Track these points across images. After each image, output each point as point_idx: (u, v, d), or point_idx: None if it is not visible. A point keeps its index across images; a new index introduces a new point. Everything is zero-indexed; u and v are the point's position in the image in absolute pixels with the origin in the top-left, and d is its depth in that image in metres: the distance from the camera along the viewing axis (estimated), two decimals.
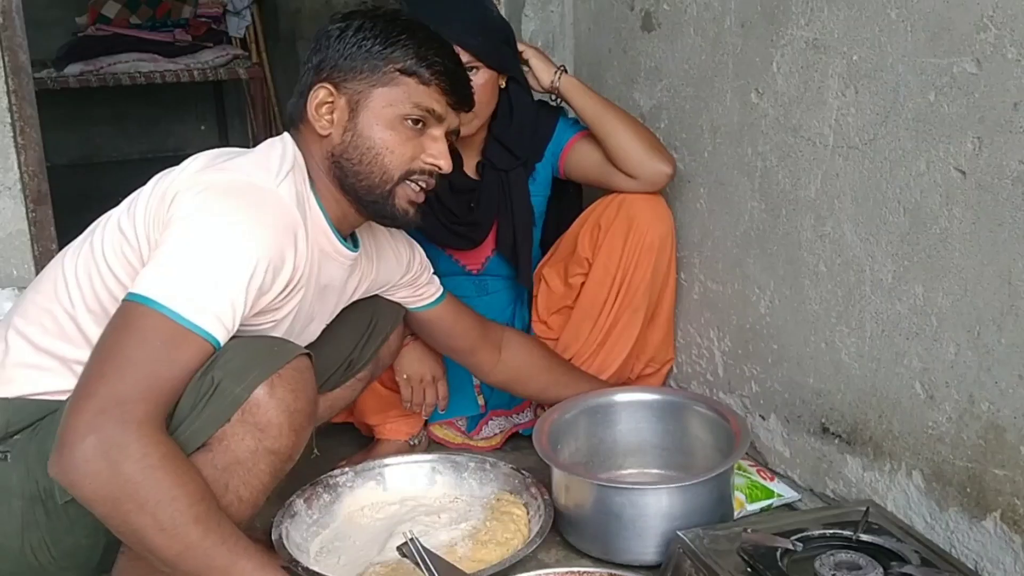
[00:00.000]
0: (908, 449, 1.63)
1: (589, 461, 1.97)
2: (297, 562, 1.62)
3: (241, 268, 1.31)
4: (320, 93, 1.49)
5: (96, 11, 4.39)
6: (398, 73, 1.48)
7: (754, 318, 1.97)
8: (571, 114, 2.22)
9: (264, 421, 1.31)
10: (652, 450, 1.98)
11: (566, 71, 2.10)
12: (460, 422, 2.22)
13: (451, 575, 1.46)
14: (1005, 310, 1.43)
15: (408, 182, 1.52)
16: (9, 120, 2.11)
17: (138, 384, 1.23)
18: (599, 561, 1.71)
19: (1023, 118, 1.36)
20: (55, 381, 1.41)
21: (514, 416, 2.22)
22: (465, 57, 1.96)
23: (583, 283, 2.16)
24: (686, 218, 2.13)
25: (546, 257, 2.26)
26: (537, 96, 2.16)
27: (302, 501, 1.80)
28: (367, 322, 1.80)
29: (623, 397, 2.00)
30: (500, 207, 2.14)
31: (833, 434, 1.80)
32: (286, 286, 1.41)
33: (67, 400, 1.29)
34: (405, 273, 1.80)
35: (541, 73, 2.09)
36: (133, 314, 1.27)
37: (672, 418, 1.97)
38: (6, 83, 2.09)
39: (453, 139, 1.59)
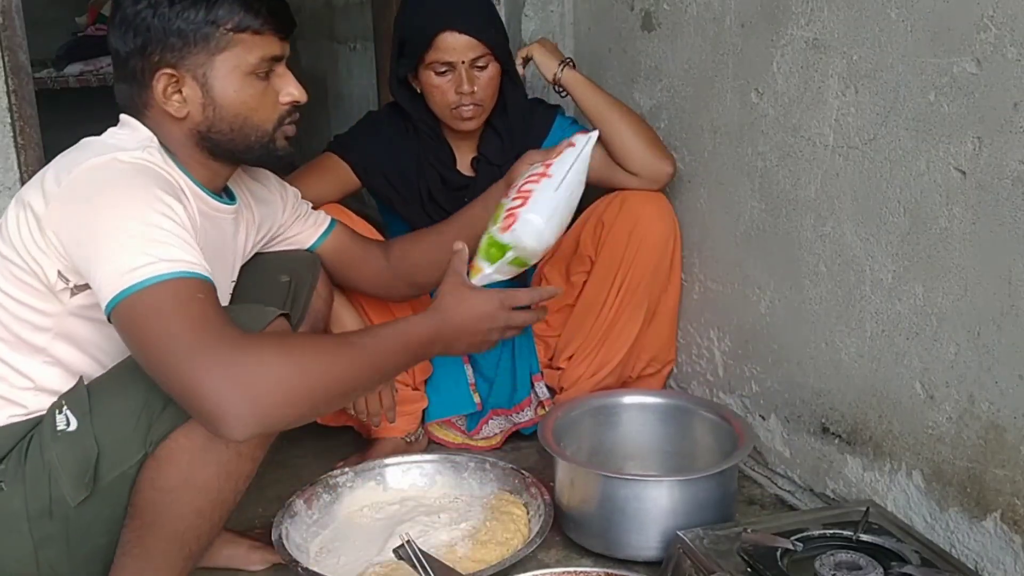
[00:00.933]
0: (908, 449, 1.63)
1: (590, 462, 1.96)
2: (297, 562, 1.62)
3: (164, 215, 1.30)
4: (162, 80, 1.43)
5: (96, 11, 4.39)
6: (231, 33, 1.43)
7: (754, 318, 1.97)
8: (569, 111, 2.21)
9: None
10: (653, 453, 1.98)
11: (573, 64, 2.09)
12: (460, 421, 2.22)
13: None
14: (1005, 310, 1.43)
15: (283, 126, 1.52)
16: (9, 120, 2.11)
17: (196, 329, 1.22)
18: (599, 560, 1.72)
19: (1023, 118, 1.35)
20: (5, 413, 1.43)
21: (514, 415, 2.22)
22: (480, 50, 1.97)
23: (585, 281, 2.16)
24: (686, 218, 2.13)
25: (547, 256, 2.26)
26: (539, 92, 2.16)
27: (302, 501, 1.80)
28: (286, 279, 1.77)
29: (628, 399, 2.00)
30: None
31: (833, 434, 1.80)
32: (194, 231, 1.40)
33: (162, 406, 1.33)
34: (285, 207, 1.79)
35: (544, 67, 2.09)
36: (131, 313, 1.25)
37: (676, 422, 1.96)
38: (6, 83, 2.09)
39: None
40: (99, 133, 1.51)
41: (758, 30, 1.84)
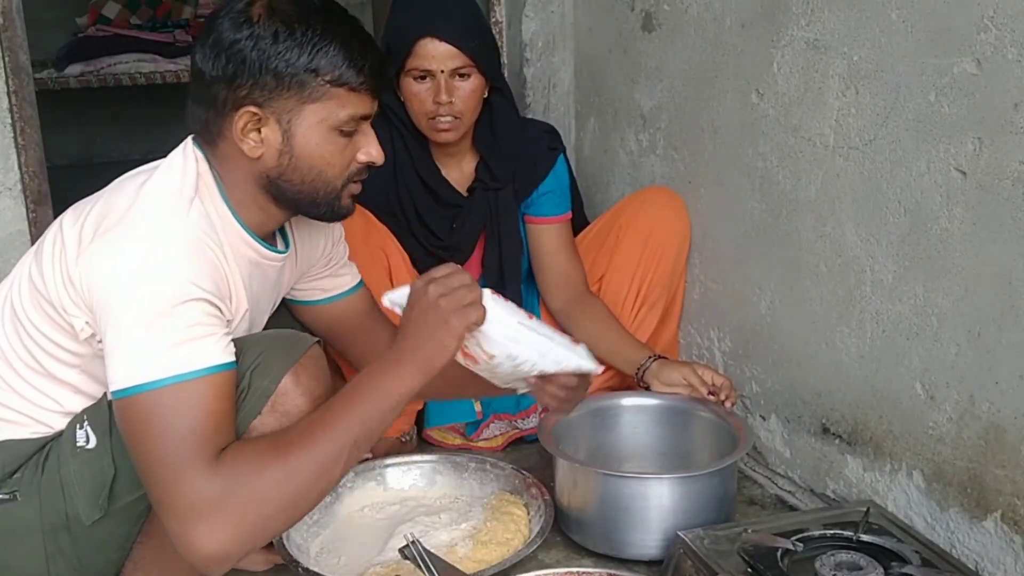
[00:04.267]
0: (908, 449, 1.63)
1: (588, 464, 1.96)
2: (297, 562, 1.62)
3: (194, 300, 1.26)
4: (244, 116, 1.35)
5: (96, 11, 4.38)
6: (328, 86, 1.34)
7: (754, 318, 1.97)
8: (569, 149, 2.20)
9: (291, 408, 1.34)
10: (652, 454, 1.98)
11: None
12: (459, 426, 2.21)
13: None
14: (1005, 310, 1.43)
15: (350, 184, 1.44)
16: (9, 120, 2.11)
17: (180, 453, 1.21)
18: (600, 560, 1.72)
19: (1023, 118, 1.36)
20: (29, 430, 1.41)
21: (519, 421, 2.19)
22: (460, 60, 1.95)
23: (601, 277, 2.17)
24: None
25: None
26: (533, 114, 2.13)
27: None
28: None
29: (627, 401, 2.00)
30: (487, 232, 2.13)
31: (833, 434, 1.80)
32: (232, 305, 1.38)
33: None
34: (323, 253, 1.66)
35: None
36: (126, 414, 1.25)
37: (674, 423, 1.96)
38: (7, 83, 2.09)
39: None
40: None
41: (758, 30, 1.84)
